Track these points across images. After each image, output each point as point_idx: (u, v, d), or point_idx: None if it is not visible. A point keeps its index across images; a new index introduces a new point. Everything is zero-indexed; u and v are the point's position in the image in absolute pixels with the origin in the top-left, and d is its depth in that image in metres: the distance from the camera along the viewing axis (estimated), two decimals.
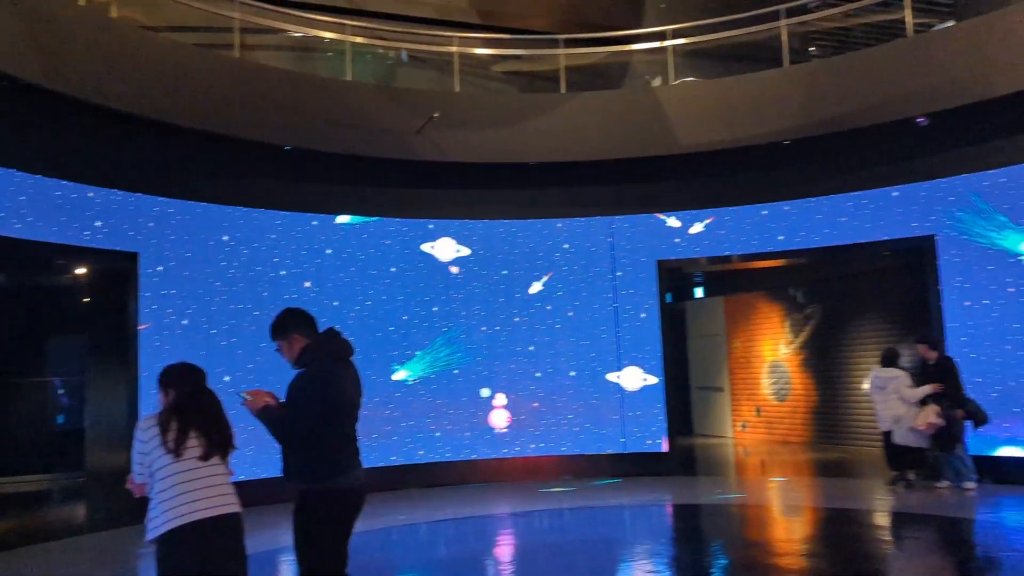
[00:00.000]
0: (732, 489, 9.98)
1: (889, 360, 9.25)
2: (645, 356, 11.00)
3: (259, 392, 3.77)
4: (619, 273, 11.11)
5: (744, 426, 14.84)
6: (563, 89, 11.08)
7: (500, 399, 10.86)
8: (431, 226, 10.91)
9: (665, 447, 10.86)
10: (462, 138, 10.37)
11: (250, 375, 9.33)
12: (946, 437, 8.79)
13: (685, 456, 12.54)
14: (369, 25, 10.95)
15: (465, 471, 10.65)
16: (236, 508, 3.51)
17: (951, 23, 10.45)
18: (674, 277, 12.16)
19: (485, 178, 10.85)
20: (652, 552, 7.02)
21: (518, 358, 10.94)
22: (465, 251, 10.92)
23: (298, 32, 10.74)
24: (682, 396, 15.39)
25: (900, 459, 9.08)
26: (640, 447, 10.88)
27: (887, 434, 9.15)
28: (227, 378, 9.18)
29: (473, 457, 10.73)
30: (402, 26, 11.23)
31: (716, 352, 15.51)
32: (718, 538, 7.69)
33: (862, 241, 10.17)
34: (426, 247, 10.78)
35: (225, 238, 9.67)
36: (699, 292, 15.98)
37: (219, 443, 3.54)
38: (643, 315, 11.05)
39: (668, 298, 11.26)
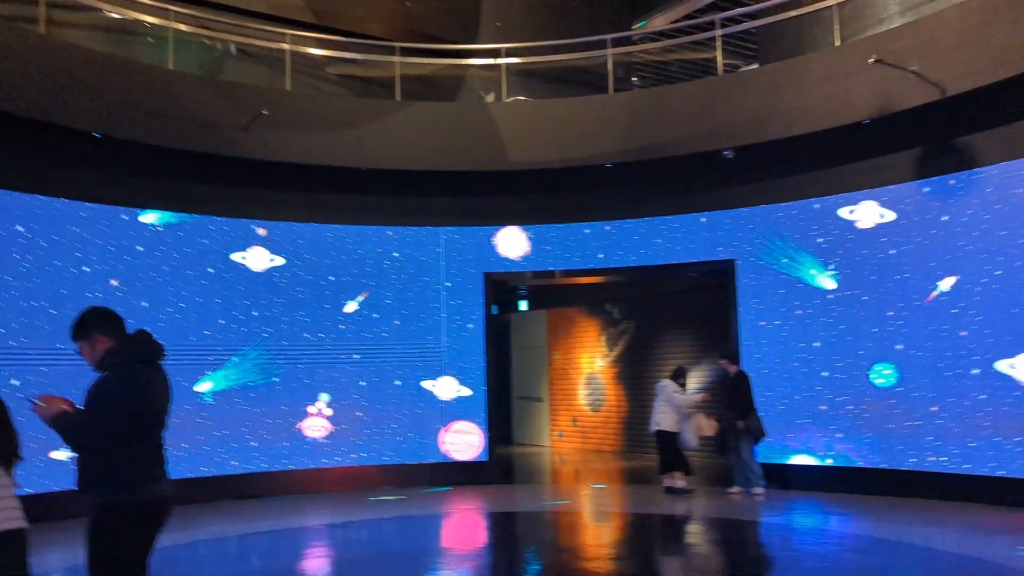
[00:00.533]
0: (546, 497, 10.28)
1: (676, 375, 9.98)
2: (469, 366, 11.12)
3: (53, 398, 3.44)
4: (448, 284, 11.18)
5: (561, 435, 15.35)
6: (398, 97, 11.02)
7: (322, 408, 10.57)
8: (255, 227, 10.47)
9: (485, 456, 11.01)
10: (292, 138, 10.05)
11: (43, 379, 8.52)
12: (728, 445, 9.61)
13: (505, 465, 12.77)
14: (195, 13, 10.37)
15: (283, 482, 10.28)
16: (21, 523, 3.20)
17: (755, 66, 11.45)
18: (500, 290, 12.40)
19: (315, 180, 10.57)
20: (465, 559, 7.09)
21: (343, 366, 10.72)
22: (279, 260, 10.50)
23: (115, 12, 9.97)
24: (504, 406, 15.70)
25: (672, 463, 9.77)
26: (463, 456, 10.98)
27: (659, 438, 9.83)
28: (15, 382, 8.33)
29: (291, 467, 10.38)
30: (231, 18, 10.72)
31: (537, 363, 15.96)
32: (531, 544, 7.88)
33: (673, 262, 10.86)
34: (236, 257, 10.26)
35: (20, 228, 8.78)
36: (523, 305, 16.39)
37: (3, 452, 3.21)
38: (470, 326, 11.18)
39: (494, 310, 11.45)
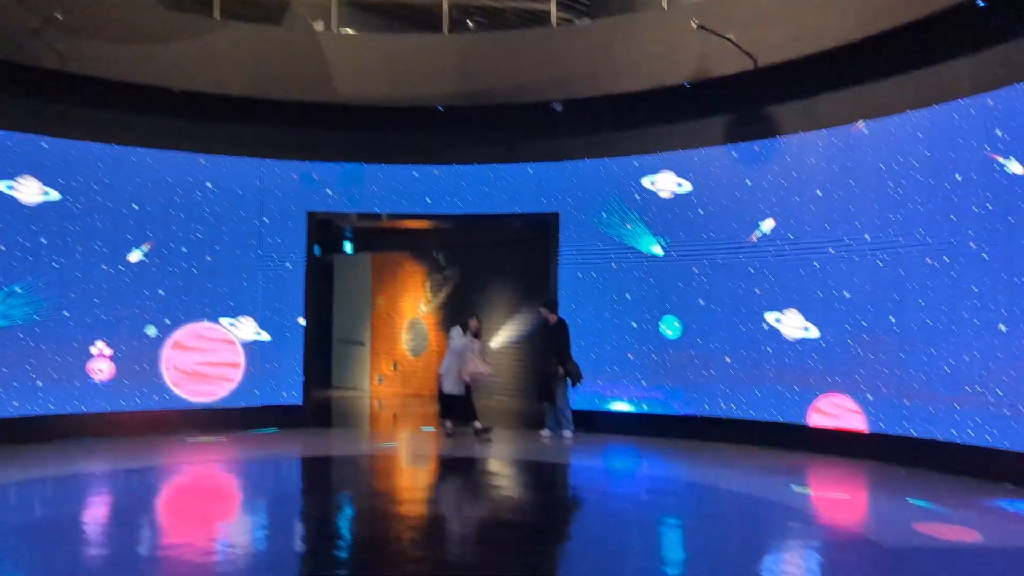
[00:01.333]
0: (362, 441, 10.15)
1: (464, 322, 9.97)
2: (288, 307, 10.65)
3: None
4: (266, 220, 10.58)
5: (381, 380, 15.19)
6: (217, 15, 10.15)
7: (112, 347, 9.76)
8: (45, 144, 9.36)
9: (300, 400, 10.66)
10: (94, 49, 9.01)
11: None
12: (546, 390, 9.83)
13: (322, 409, 12.46)
14: None
15: (74, 425, 9.43)
16: None
17: (588, 21, 11.54)
18: (324, 230, 11.91)
19: (119, 98, 9.56)
20: (276, 503, 6.84)
21: (145, 302, 9.92)
22: (55, 195, 9.41)
23: None
24: (324, 350, 15.27)
25: (448, 408, 9.89)
26: (275, 399, 10.56)
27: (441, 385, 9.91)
28: None
29: (84, 410, 9.53)
30: None
31: (361, 307, 15.62)
32: (346, 489, 7.74)
33: (499, 212, 10.85)
34: (2, 186, 9.14)
35: None
36: (348, 247, 15.92)
37: None
38: (288, 266, 10.68)
39: (316, 251, 10.99)
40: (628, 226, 10.27)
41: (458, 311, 13.78)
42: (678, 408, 9.87)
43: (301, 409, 10.67)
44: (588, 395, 10.23)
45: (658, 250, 10.06)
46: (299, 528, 6.06)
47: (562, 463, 8.50)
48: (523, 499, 7.21)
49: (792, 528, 6.00)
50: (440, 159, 10.90)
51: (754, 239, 9.22)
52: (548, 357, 9.83)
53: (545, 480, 7.90)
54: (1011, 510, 6.42)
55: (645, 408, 10.05)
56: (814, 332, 8.97)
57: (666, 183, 10.07)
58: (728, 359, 9.61)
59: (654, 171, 10.14)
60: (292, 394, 10.63)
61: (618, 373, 10.20)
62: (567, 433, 9.78)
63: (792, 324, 9.18)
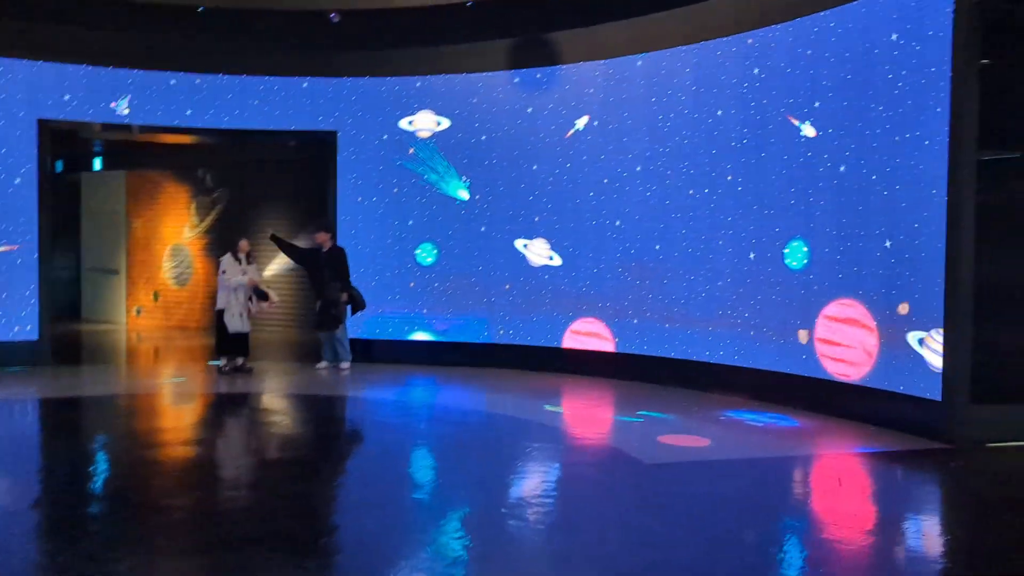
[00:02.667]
0: (117, 379, 9.19)
1: (234, 250, 9.09)
2: (18, 229, 9.25)
3: None
4: None
5: (139, 311, 13.88)
6: None
7: None
8: None
9: (35, 334, 9.39)
10: None
11: None
12: (330, 319, 9.39)
13: (68, 345, 11.14)
14: None
15: None
16: None
17: None
18: (65, 142, 10.44)
19: None
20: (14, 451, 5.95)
21: None
22: None
23: None
24: (71, 279, 13.64)
25: (230, 344, 9.06)
26: (5, 334, 9.23)
27: (219, 318, 9.07)
28: None
29: None
30: None
31: (114, 232, 14.06)
32: (95, 433, 6.93)
33: (271, 128, 10.06)
34: None
35: None
36: (98, 164, 14.17)
37: None
38: (16, 181, 9.24)
39: (58, 167, 9.57)
40: (411, 150, 9.93)
41: (228, 237, 12.83)
42: (457, 336, 9.88)
43: (38, 345, 9.41)
44: (368, 324, 9.93)
45: (464, 194, 9.83)
46: (34, 480, 5.29)
47: (340, 395, 8.29)
48: (296, 435, 6.87)
49: (540, 445, 6.27)
50: (202, 66, 9.83)
51: (568, 136, 9.21)
52: (324, 284, 9.34)
53: (321, 414, 7.61)
54: (737, 418, 7.11)
55: (426, 336, 9.95)
56: (557, 260, 9.36)
57: (425, 122, 9.84)
58: (508, 286, 9.70)
59: (434, 94, 9.82)
60: (26, 328, 9.34)
61: (399, 301, 9.98)
62: (345, 364, 9.51)
63: (537, 251, 9.48)
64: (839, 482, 5.48)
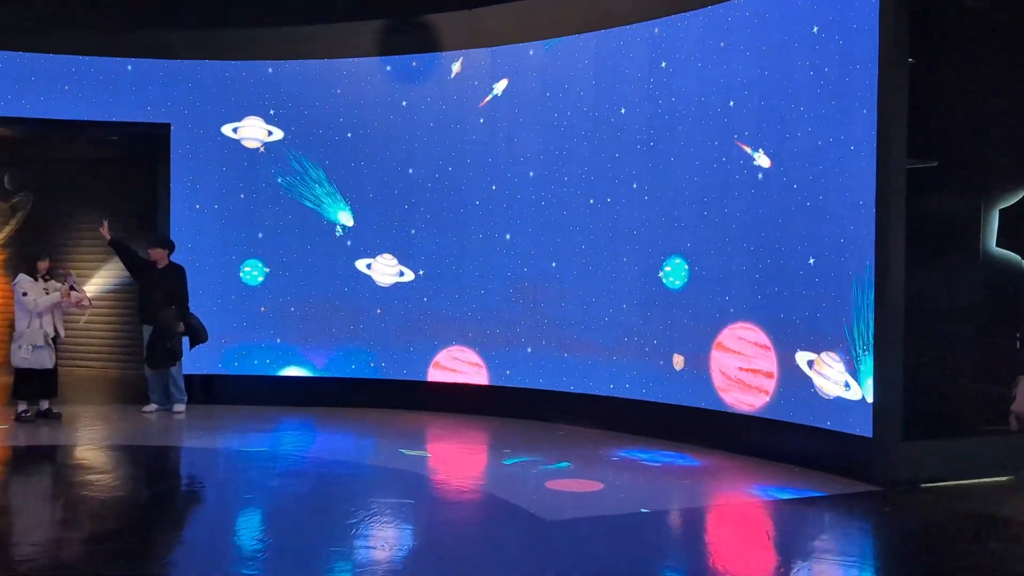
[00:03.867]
0: None
1: (29, 268, 8.36)
2: None
3: None
4: None
5: None
6: None
7: None
8: None
9: None
10: None
11: None
12: (163, 353, 8.65)
13: None
14: None
15: None
16: None
17: None
18: None
19: None
20: None
21: None
22: None
23: None
24: None
25: (27, 385, 8.20)
26: None
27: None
28: None
29: None
30: None
31: None
32: None
33: (87, 119, 9.31)
34: None
35: None
36: None
37: None
38: None
39: None
40: (260, 148, 9.34)
41: (30, 251, 11.77)
42: (319, 369, 9.38)
43: None
44: (208, 356, 9.25)
45: (299, 176, 9.31)
46: None
47: (172, 446, 7.71)
48: (115, 500, 6.11)
49: (403, 500, 6.00)
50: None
51: (484, 103, 8.94)
52: (155, 309, 8.61)
53: (149, 471, 6.93)
54: (632, 458, 7.08)
55: (280, 371, 9.38)
56: (408, 275, 9.23)
57: (252, 131, 9.37)
58: (379, 310, 9.28)
59: (289, 82, 9.33)
60: None
61: (246, 330, 9.37)
62: (179, 407, 8.87)
63: (382, 269, 9.31)
64: (768, 535, 5.31)
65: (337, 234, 9.35)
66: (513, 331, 8.79)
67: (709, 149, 7.38)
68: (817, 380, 6.49)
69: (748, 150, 7.02)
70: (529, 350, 8.69)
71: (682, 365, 7.56)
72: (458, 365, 9.09)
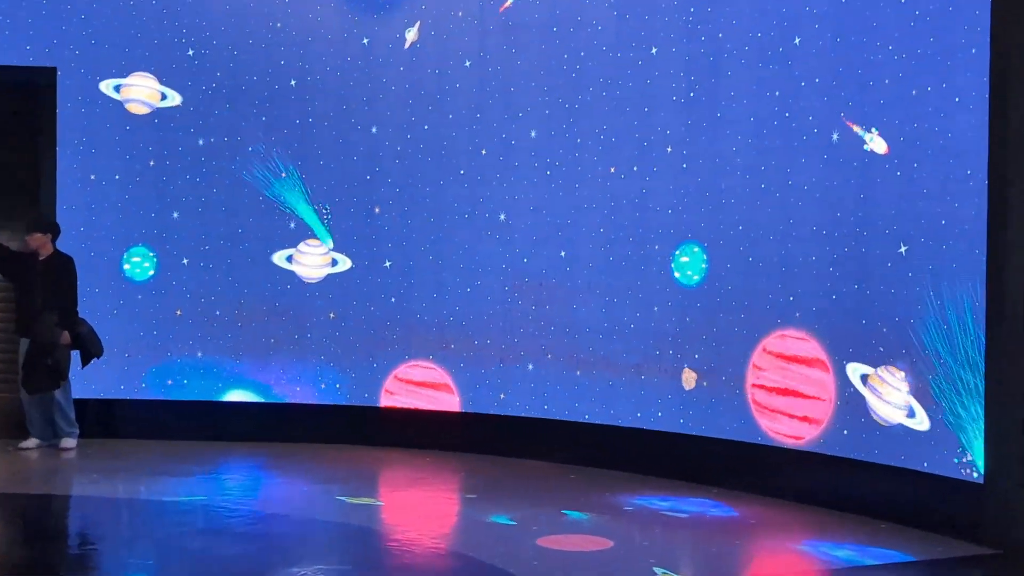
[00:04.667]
0: None
1: None
2: None
3: None
4: None
5: None
6: None
7: None
8: None
9: None
10: None
11: None
12: (43, 372, 8.73)
13: None
14: None
15: None
16: None
17: None
18: None
19: None
20: None
21: None
22: None
23: None
24: None
25: None
26: None
27: None
28: None
29: None
30: None
31: None
32: None
33: None
34: None
35: None
36: None
37: None
38: None
39: None
40: (171, 101, 9.43)
41: None
42: (255, 392, 9.56)
43: None
44: (108, 376, 9.39)
45: (230, 139, 9.38)
46: None
47: (59, 494, 7.90)
48: None
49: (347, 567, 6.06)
50: None
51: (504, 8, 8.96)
52: (41, 315, 8.69)
53: (26, 527, 7.00)
54: (652, 507, 7.20)
55: (202, 395, 9.53)
56: (346, 262, 9.40)
57: (139, 92, 9.46)
58: (333, 314, 9.43)
59: (210, 16, 9.45)
60: None
61: (158, 340, 9.47)
62: (69, 442, 8.98)
63: (309, 260, 9.44)
64: None
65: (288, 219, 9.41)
66: (510, 342, 8.87)
67: (767, 101, 7.39)
68: (874, 402, 6.57)
69: (858, 130, 6.93)
70: (530, 367, 8.76)
71: (693, 383, 7.68)
72: (435, 387, 9.17)
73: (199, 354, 9.47)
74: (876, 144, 6.74)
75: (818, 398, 7.04)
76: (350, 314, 9.38)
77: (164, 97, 9.40)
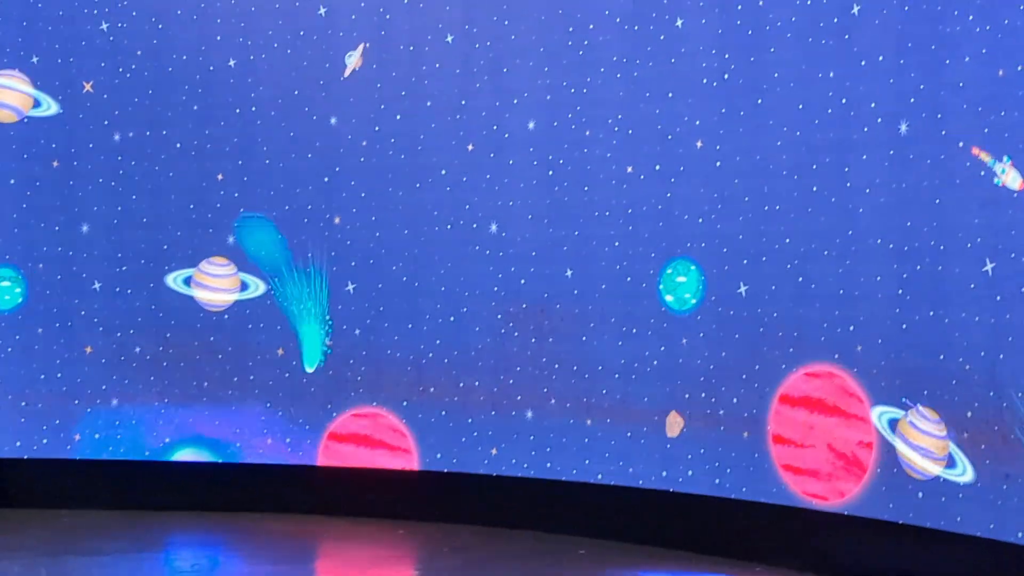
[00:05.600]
0: None
1: None
2: None
3: None
4: None
5: None
6: None
7: None
8: None
9: None
10: None
11: None
12: None
13: None
14: None
15: None
16: None
17: None
18: None
19: None
20: None
21: None
22: None
23: None
24: None
25: None
26: None
27: None
28: None
29: None
30: None
31: None
32: None
33: None
34: None
35: None
36: None
37: None
38: None
39: None
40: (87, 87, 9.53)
41: None
42: (187, 448, 9.62)
43: None
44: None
45: (141, 134, 9.48)
46: None
47: None
48: None
49: None
50: None
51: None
52: None
53: None
54: None
55: (120, 453, 9.62)
56: (260, 287, 9.57)
57: (8, 96, 9.63)
58: (282, 351, 9.53)
59: None
60: None
61: (61, 384, 9.55)
62: None
63: (214, 282, 9.61)
64: None
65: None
66: (504, 384, 8.89)
67: (819, 85, 7.42)
68: (904, 451, 6.69)
69: (986, 158, 6.83)
70: (529, 415, 8.79)
71: (679, 429, 7.78)
72: (407, 439, 9.22)
73: (114, 401, 9.55)
74: (1010, 178, 6.46)
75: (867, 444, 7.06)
76: (302, 350, 9.44)
77: (38, 104, 9.54)
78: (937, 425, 6.54)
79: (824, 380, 7.40)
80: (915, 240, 6.95)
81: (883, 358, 7.10)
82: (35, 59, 9.53)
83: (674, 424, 7.82)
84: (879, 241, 7.14)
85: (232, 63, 9.49)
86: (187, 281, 9.51)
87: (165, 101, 9.58)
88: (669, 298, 8.18)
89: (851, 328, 7.27)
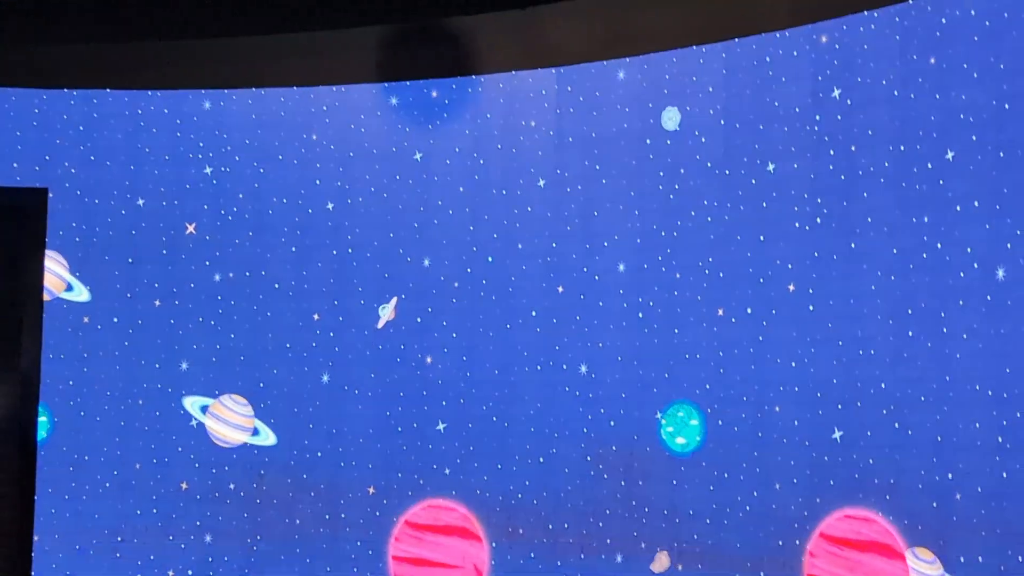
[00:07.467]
0: None
1: None
2: None
3: None
4: None
5: None
6: None
7: None
8: None
9: None
10: None
11: None
12: None
13: None
14: None
15: None
16: None
17: None
18: None
19: None
20: None
21: None
22: None
23: None
24: None
25: None
26: None
27: None
28: None
29: None
30: None
31: None
32: None
33: None
34: None
35: None
36: None
37: None
38: None
39: None
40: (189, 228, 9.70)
41: None
42: None
43: None
44: None
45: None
46: None
47: None
48: None
49: None
50: None
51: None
52: None
53: None
54: None
55: None
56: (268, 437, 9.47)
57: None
58: (373, 489, 9.41)
59: (240, 115, 9.76)
60: None
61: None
62: None
63: (227, 417, 9.55)
64: None
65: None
66: (593, 526, 8.80)
67: (913, 229, 7.34)
68: None
69: None
70: (619, 558, 8.66)
71: (665, 567, 7.74)
72: None
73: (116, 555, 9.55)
74: None
75: None
76: (393, 488, 9.35)
77: (70, 288, 9.68)
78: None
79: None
80: (1016, 387, 6.77)
81: (983, 507, 6.87)
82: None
83: (660, 564, 7.93)
84: (976, 387, 6.97)
85: (330, 206, 9.56)
86: (204, 408, 9.62)
87: (264, 243, 9.63)
88: None
89: (949, 475, 7.08)
